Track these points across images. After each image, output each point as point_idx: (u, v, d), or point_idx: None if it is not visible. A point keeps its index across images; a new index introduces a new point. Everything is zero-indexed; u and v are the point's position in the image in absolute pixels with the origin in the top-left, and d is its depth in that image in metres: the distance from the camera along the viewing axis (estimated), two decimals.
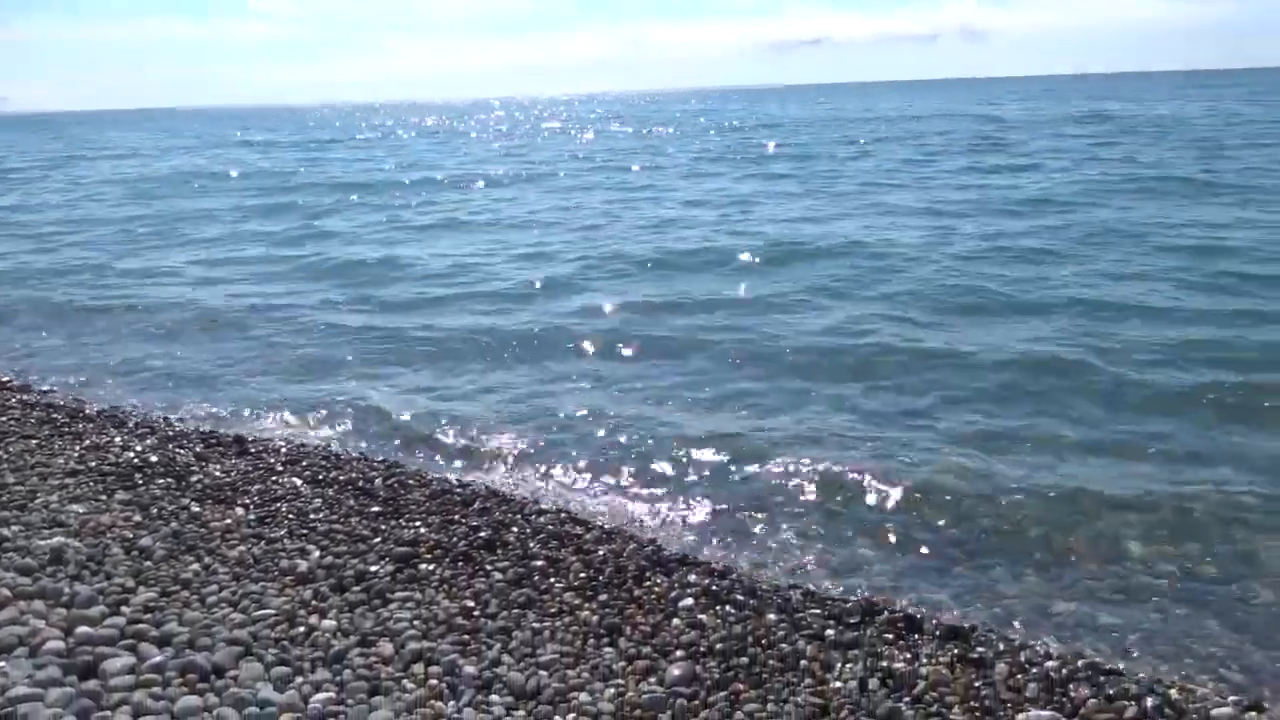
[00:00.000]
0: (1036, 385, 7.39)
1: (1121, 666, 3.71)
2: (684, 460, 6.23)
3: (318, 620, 3.85)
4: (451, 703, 3.35)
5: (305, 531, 4.78)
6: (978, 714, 3.28)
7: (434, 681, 3.46)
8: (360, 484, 5.56)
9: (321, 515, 5.02)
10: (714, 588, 4.21)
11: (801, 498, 5.60)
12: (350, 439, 6.85)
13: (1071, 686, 3.43)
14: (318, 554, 4.49)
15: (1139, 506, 5.29)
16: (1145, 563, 4.73)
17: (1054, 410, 6.89)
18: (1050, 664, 3.60)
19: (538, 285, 12.13)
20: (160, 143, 56.84)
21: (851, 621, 3.94)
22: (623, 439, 6.66)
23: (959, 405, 7.07)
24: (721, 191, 21.87)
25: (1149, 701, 3.31)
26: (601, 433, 6.77)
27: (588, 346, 9.13)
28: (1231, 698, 3.48)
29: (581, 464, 6.25)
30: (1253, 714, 3.31)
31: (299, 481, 5.58)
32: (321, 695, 3.33)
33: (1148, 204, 16.62)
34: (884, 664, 3.56)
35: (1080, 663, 3.64)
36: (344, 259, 14.53)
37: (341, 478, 5.66)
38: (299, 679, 3.44)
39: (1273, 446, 6.04)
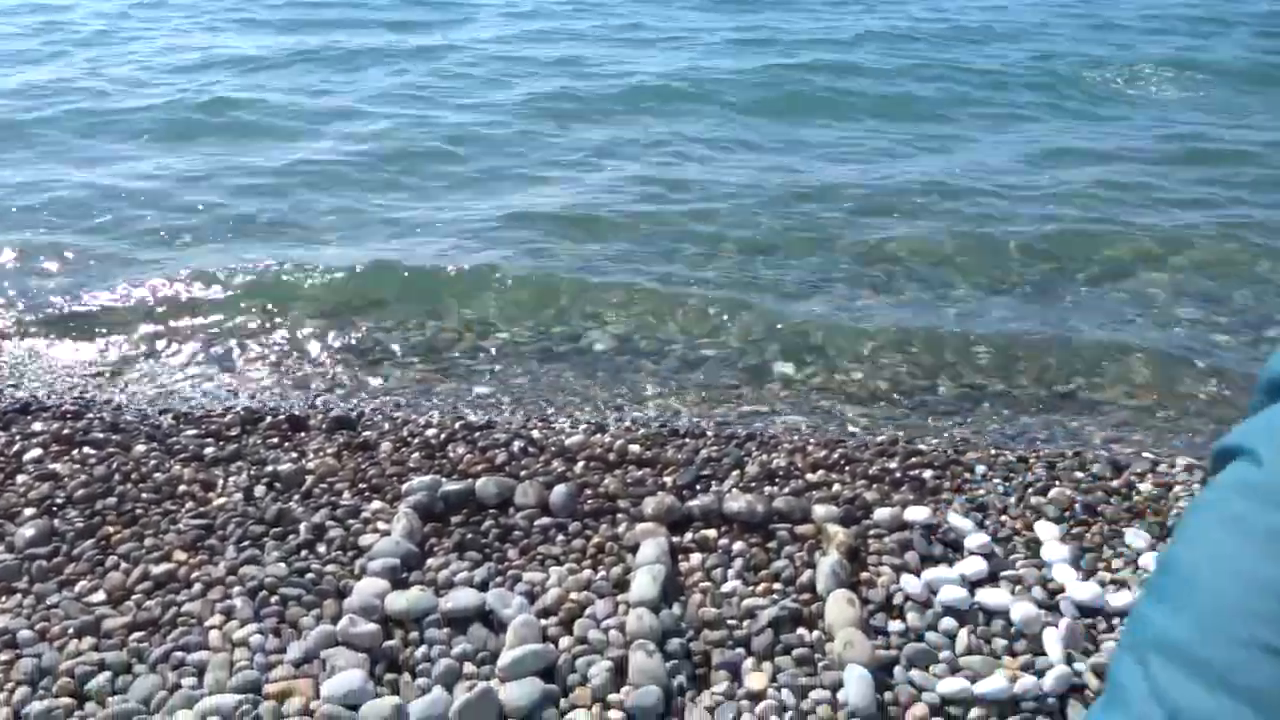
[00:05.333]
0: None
1: (496, 422, 4.08)
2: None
3: None
4: None
5: None
6: (367, 493, 3.38)
7: None
8: None
9: None
10: (66, 431, 3.71)
11: (170, 321, 5.13)
12: None
13: (450, 448, 3.69)
14: None
15: (489, 285, 5.69)
16: (508, 332, 5.16)
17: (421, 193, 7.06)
18: (430, 432, 3.82)
19: None
20: None
21: (232, 434, 3.76)
22: None
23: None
24: None
25: (515, 445, 3.69)
26: None
27: None
28: (582, 426, 4.03)
29: None
30: (598, 435, 3.86)
31: None
32: None
33: None
34: (270, 468, 3.48)
35: (458, 425, 3.92)
36: None
37: None
38: None
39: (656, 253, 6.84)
